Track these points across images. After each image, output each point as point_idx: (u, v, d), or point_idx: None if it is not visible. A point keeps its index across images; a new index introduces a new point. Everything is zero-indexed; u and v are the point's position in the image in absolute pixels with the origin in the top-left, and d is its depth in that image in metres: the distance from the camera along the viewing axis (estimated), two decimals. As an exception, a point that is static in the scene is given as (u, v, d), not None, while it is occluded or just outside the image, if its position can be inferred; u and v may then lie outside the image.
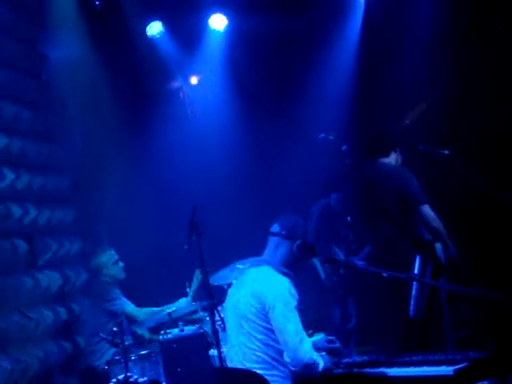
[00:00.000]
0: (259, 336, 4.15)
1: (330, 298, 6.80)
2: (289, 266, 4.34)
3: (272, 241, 4.43)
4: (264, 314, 4.14)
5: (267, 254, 4.42)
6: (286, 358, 4.12)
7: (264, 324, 4.15)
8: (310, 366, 4.04)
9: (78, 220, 7.45)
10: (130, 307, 6.67)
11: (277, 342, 4.13)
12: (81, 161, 7.58)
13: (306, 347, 4.07)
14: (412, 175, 5.91)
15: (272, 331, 4.13)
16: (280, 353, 4.14)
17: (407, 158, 6.21)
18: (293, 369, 4.11)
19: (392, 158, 6.06)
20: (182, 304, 6.62)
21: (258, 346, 4.15)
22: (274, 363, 4.15)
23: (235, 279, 4.65)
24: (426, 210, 5.76)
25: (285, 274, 4.27)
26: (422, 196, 5.81)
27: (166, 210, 7.75)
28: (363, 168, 6.26)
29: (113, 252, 6.82)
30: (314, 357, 4.06)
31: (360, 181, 6.23)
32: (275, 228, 4.44)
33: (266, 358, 4.14)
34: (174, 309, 6.29)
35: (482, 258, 7.06)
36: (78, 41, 7.16)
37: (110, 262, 6.75)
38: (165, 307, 6.45)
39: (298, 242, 4.33)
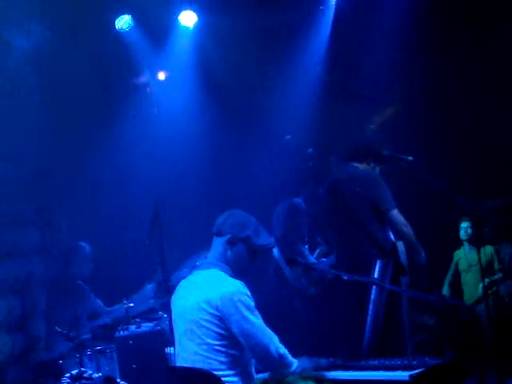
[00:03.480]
0: (212, 341, 4.04)
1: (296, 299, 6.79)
2: (236, 266, 4.26)
3: (213, 240, 4.35)
4: (219, 320, 4.03)
5: (211, 254, 4.32)
6: (256, 362, 4.07)
7: (218, 330, 4.04)
8: (283, 362, 3.99)
9: (38, 211, 7.36)
10: (100, 309, 6.60)
11: (229, 347, 4.03)
12: (43, 151, 7.47)
13: (276, 343, 4.03)
14: (382, 180, 5.93)
15: (225, 337, 4.04)
16: (232, 359, 4.06)
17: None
18: (260, 375, 4.06)
19: (366, 166, 6.05)
20: (146, 291, 6.54)
21: (209, 353, 4.04)
22: (225, 370, 4.04)
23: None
24: (396, 215, 5.78)
25: (236, 276, 4.22)
26: (392, 201, 5.82)
27: (128, 204, 7.68)
28: (334, 170, 6.27)
29: (87, 247, 6.75)
30: (285, 351, 4.03)
31: (329, 183, 6.22)
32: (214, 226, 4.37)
33: (217, 364, 4.03)
34: (131, 304, 6.22)
35: (444, 264, 7.15)
36: (44, 29, 7.06)
37: (83, 256, 6.69)
38: (124, 302, 6.37)
39: (226, 237, 4.24)
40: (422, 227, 6.93)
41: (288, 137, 7.85)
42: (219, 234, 4.29)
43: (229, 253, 4.25)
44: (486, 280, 6.69)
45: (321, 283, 6.33)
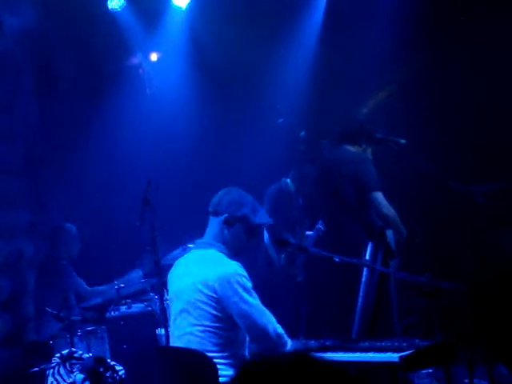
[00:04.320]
0: (207, 323, 4.03)
1: (283, 283, 6.79)
2: (233, 245, 4.24)
3: (209, 220, 4.31)
4: (216, 302, 4.02)
5: (207, 234, 4.29)
6: (253, 342, 4.07)
7: (213, 311, 4.03)
8: (280, 342, 4.00)
9: (29, 192, 7.33)
10: (81, 288, 6.59)
11: (224, 329, 4.03)
12: (34, 132, 7.44)
13: (274, 323, 4.03)
14: (370, 162, 5.92)
15: (221, 319, 4.03)
16: (227, 341, 4.05)
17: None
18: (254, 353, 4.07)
19: (358, 148, 6.04)
20: (133, 277, 6.55)
21: (204, 333, 4.04)
22: (218, 351, 4.04)
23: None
24: (379, 196, 5.79)
25: (232, 256, 4.20)
26: (376, 183, 5.82)
27: (120, 185, 7.65)
28: (324, 152, 6.28)
29: (73, 228, 6.73)
30: (282, 331, 4.03)
31: (319, 164, 6.24)
32: (209, 206, 4.34)
33: (211, 346, 4.03)
34: (122, 285, 6.22)
35: (436, 247, 7.15)
36: (36, 9, 7.01)
37: (70, 237, 6.67)
38: (114, 283, 6.37)
39: (223, 216, 4.20)
40: (412, 210, 6.97)
41: (280, 120, 7.84)
42: (215, 214, 4.25)
43: (226, 232, 4.22)
44: None
45: (310, 267, 6.34)
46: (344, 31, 7.80)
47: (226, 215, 4.20)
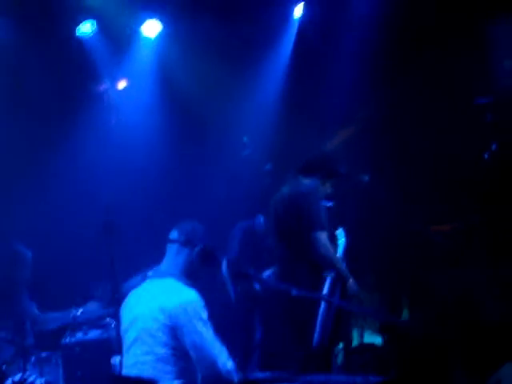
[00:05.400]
0: (161, 351, 4.04)
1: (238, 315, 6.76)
2: (191, 274, 4.26)
3: (171, 248, 4.32)
4: (170, 330, 4.04)
5: (167, 262, 4.32)
6: (202, 373, 4.06)
7: (167, 340, 4.05)
8: (227, 378, 3.99)
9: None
10: (33, 313, 6.50)
11: (178, 357, 4.04)
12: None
13: (224, 358, 4.03)
14: (317, 199, 5.77)
15: (174, 347, 4.04)
16: (179, 370, 4.06)
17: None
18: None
19: (314, 182, 5.93)
20: (91, 307, 6.48)
21: (157, 362, 4.05)
22: (172, 379, 4.05)
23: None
24: (319, 236, 5.59)
25: (190, 286, 4.21)
26: (319, 222, 5.65)
27: (78, 212, 7.60)
28: (282, 186, 6.22)
29: (29, 253, 6.65)
30: (232, 367, 4.03)
31: (274, 198, 6.11)
32: (173, 234, 4.35)
33: (164, 374, 4.03)
34: (78, 312, 6.15)
35: (390, 285, 7.21)
36: (8, 27, 7.02)
37: (25, 262, 6.59)
38: (71, 309, 6.30)
39: (198, 247, 4.25)
40: (369, 245, 7.03)
41: (246, 152, 7.86)
42: (187, 243, 4.27)
43: (183, 260, 4.25)
44: None
45: (266, 302, 6.25)
46: (312, 65, 7.93)
47: (199, 247, 4.23)
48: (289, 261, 5.78)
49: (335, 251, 5.73)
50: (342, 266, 5.66)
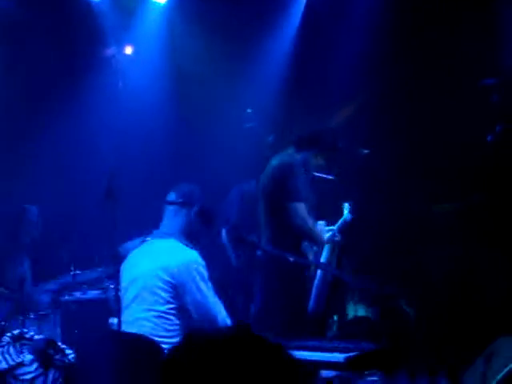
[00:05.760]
0: (161, 308, 4.14)
1: (237, 281, 6.83)
2: (190, 235, 4.34)
3: (169, 210, 4.40)
4: (172, 288, 4.13)
5: (166, 225, 4.40)
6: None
7: (168, 298, 4.14)
8: None
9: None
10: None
11: (177, 316, 4.14)
12: (2, 114, 7.42)
13: (224, 315, 4.16)
14: (298, 171, 5.82)
15: (175, 305, 4.13)
16: (180, 327, 4.15)
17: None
18: None
19: (303, 155, 5.98)
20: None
21: (157, 319, 4.14)
22: (171, 337, 4.13)
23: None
24: (294, 206, 5.66)
25: (191, 247, 4.29)
26: (296, 193, 5.71)
27: (82, 175, 7.66)
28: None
29: (35, 210, 6.72)
30: (231, 324, 4.15)
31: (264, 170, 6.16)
32: (171, 196, 4.42)
33: (163, 331, 4.13)
34: (78, 272, 6.24)
35: (388, 261, 7.25)
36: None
37: (31, 219, 6.66)
38: (70, 270, 6.38)
39: (196, 208, 4.32)
40: (371, 222, 7.08)
41: (249, 124, 7.89)
42: (185, 204, 4.33)
43: (182, 220, 4.32)
44: None
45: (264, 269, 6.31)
46: (318, 42, 7.93)
47: (197, 208, 4.29)
48: (273, 229, 5.83)
49: (313, 223, 5.80)
50: (320, 238, 5.74)
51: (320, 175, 6.00)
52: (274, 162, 6.00)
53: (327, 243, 5.75)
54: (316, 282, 5.23)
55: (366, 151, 5.98)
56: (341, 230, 5.98)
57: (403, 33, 7.54)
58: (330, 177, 6.06)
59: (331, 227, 6.14)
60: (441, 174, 7.44)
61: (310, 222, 5.71)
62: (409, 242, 7.20)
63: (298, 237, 5.66)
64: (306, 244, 5.62)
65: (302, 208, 5.66)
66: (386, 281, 6.03)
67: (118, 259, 5.12)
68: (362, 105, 8.09)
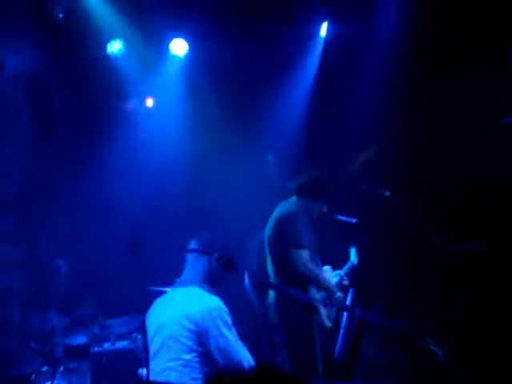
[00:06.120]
0: (187, 356, 4.16)
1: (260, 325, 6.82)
2: (212, 282, 4.39)
3: (190, 258, 4.46)
4: (197, 336, 4.16)
5: (188, 273, 4.45)
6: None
7: (192, 345, 4.17)
8: None
9: (19, 228, 7.40)
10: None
11: (203, 364, 4.16)
12: (28, 170, 7.55)
13: (249, 360, 4.16)
14: (296, 220, 5.94)
15: (201, 353, 4.16)
16: (206, 375, 4.15)
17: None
18: None
19: (303, 202, 6.11)
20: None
21: (184, 368, 4.16)
22: None
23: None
24: (298, 253, 5.78)
25: (213, 294, 4.33)
26: (299, 241, 5.83)
27: (109, 228, 7.72)
28: None
29: (63, 264, 6.79)
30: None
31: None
32: (192, 244, 4.49)
33: (190, 380, 4.14)
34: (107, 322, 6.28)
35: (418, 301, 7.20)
36: (38, 50, 7.19)
37: (60, 273, 6.73)
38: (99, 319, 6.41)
39: (216, 254, 4.36)
40: (397, 266, 7.06)
41: (270, 157, 7.91)
42: (194, 251, 4.41)
43: (203, 267, 4.37)
44: None
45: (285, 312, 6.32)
46: (336, 85, 8.01)
47: (217, 254, 4.35)
48: (279, 277, 5.94)
49: (318, 269, 5.91)
50: (326, 283, 5.84)
51: (343, 219, 6.06)
52: (277, 211, 6.12)
53: (335, 287, 5.82)
54: (342, 324, 5.23)
55: (387, 192, 6.01)
56: (348, 274, 6.05)
57: (416, 78, 7.61)
58: (354, 221, 6.12)
59: (338, 271, 6.22)
60: (463, 213, 7.43)
61: (313, 267, 5.82)
62: (433, 282, 7.18)
63: (304, 283, 5.74)
64: (313, 290, 5.68)
65: (304, 255, 5.78)
66: (412, 322, 6.00)
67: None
68: (380, 149, 8.12)
